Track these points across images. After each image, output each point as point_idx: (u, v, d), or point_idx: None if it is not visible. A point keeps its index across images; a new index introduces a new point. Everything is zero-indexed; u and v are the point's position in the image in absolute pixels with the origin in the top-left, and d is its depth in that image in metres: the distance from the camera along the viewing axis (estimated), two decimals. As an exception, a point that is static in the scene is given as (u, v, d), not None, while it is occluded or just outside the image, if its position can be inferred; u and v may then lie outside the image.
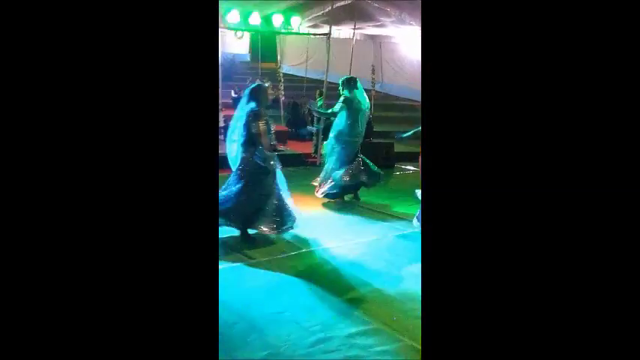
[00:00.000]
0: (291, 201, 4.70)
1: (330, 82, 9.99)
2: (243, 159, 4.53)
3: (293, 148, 9.46)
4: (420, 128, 5.82)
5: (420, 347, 2.90)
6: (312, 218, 5.36)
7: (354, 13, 9.93)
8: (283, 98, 10.58)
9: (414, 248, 4.67)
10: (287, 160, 6.47)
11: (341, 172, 6.03)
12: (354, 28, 10.36)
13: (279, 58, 12.25)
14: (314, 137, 8.98)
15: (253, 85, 4.75)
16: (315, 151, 8.71)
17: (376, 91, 11.91)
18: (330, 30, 9.95)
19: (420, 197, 5.20)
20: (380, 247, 4.71)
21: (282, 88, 10.56)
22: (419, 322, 3.22)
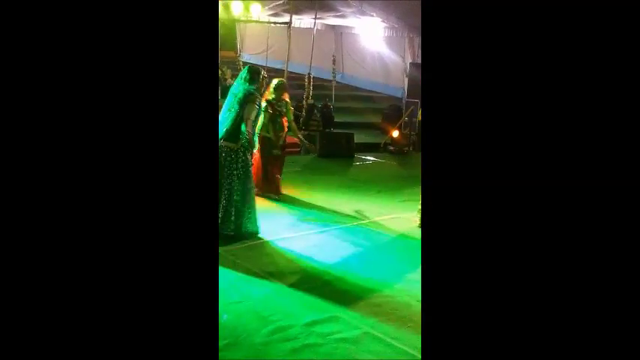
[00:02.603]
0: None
1: (290, 72, 9.95)
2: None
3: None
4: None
5: (378, 334, 2.96)
6: (267, 210, 5.35)
7: (315, 3, 9.90)
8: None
9: (371, 238, 4.74)
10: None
11: None
12: (315, 18, 10.34)
13: (238, 46, 12.10)
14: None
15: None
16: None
17: (337, 82, 11.94)
18: (291, 19, 9.90)
19: None
20: (338, 237, 4.74)
21: (241, 77, 10.42)
22: (377, 309, 3.30)
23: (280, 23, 10.76)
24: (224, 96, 12.28)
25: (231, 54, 12.61)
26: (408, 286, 3.62)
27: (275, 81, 5.97)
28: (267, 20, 11.19)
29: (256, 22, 11.14)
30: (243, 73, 4.57)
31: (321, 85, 12.09)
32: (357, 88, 13.56)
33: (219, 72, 12.14)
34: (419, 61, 10.02)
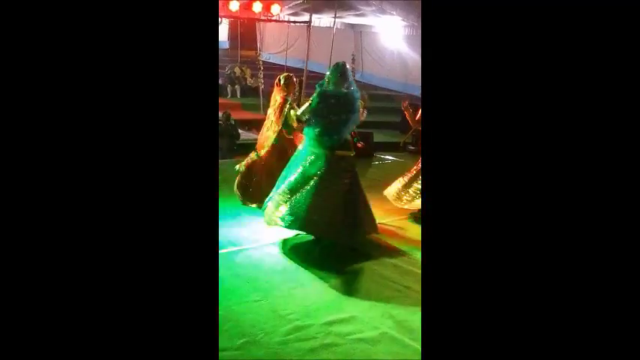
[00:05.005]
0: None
1: (310, 71, 9.95)
2: None
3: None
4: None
5: (397, 335, 2.94)
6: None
7: (335, 2, 9.88)
8: (263, 86, 10.49)
9: (392, 238, 4.71)
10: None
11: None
12: (335, 17, 10.32)
13: (259, 45, 12.14)
14: None
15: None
16: None
17: (356, 81, 11.91)
18: (311, 18, 9.89)
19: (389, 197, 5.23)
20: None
21: (261, 76, 10.47)
22: (396, 309, 3.28)
23: (300, 22, 10.76)
24: (244, 94, 12.10)
25: (252, 53, 12.64)
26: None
27: (282, 77, 5.44)
28: (286, 19, 11.20)
29: (276, 21, 11.15)
30: (334, 74, 4.33)
31: (340, 84, 12.05)
32: (376, 87, 13.49)
33: (239, 71, 12.21)
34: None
